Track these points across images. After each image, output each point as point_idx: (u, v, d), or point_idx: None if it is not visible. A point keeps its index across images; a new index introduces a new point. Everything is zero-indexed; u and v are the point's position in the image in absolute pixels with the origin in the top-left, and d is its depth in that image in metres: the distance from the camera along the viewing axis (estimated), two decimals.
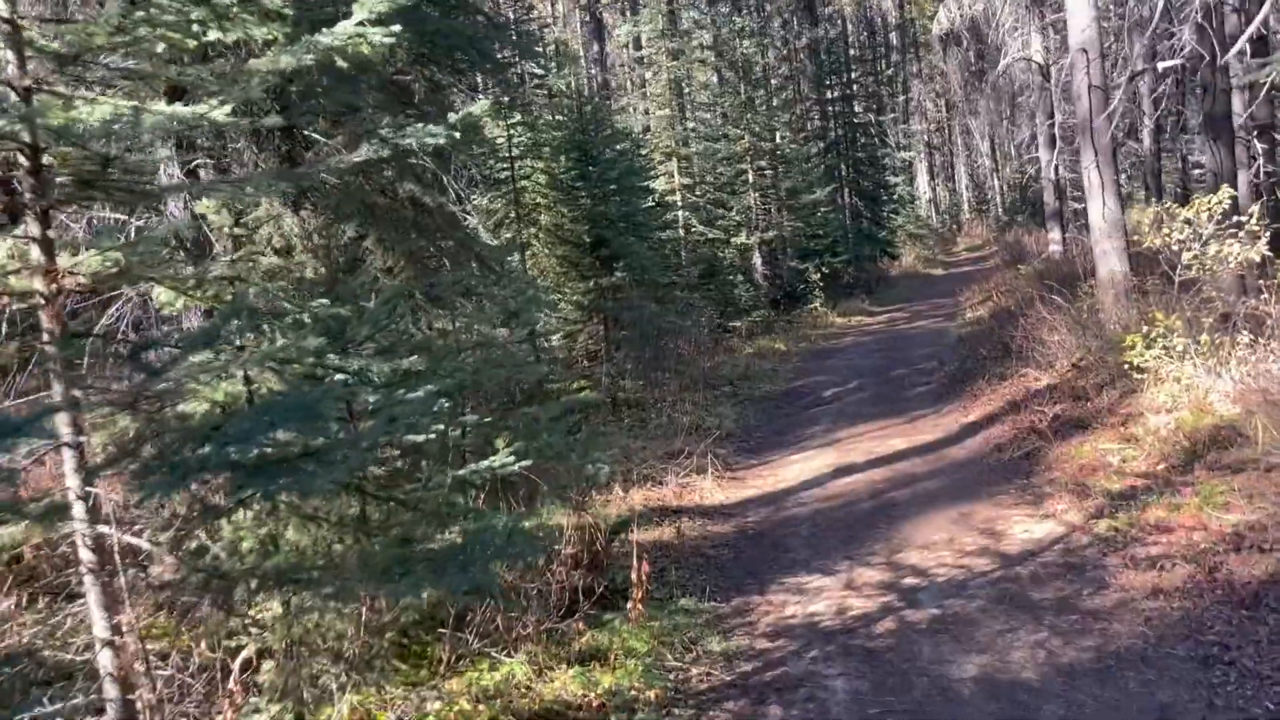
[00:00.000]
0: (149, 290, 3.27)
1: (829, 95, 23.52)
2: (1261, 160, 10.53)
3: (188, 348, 2.65)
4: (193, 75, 2.65)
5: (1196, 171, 19.19)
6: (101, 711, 2.59)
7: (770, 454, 8.75)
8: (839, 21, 25.95)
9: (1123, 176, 18.25)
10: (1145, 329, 7.34)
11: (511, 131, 10.21)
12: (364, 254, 6.37)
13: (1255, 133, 10.59)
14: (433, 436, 3.57)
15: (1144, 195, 19.79)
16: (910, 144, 35.51)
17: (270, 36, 2.79)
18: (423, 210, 6.31)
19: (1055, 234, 17.22)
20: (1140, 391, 7.39)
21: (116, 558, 2.71)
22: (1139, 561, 4.92)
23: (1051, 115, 16.56)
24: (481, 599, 3.51)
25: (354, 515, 2.86)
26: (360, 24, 2.78)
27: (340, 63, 2.94)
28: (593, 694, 3.89)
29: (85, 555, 2.56)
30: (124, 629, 2.65)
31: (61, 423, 2.54)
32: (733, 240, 17.10)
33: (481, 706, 3.64)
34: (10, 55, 2.56)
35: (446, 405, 4.36)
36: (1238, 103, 10.45)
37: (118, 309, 5.45)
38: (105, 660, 2.57)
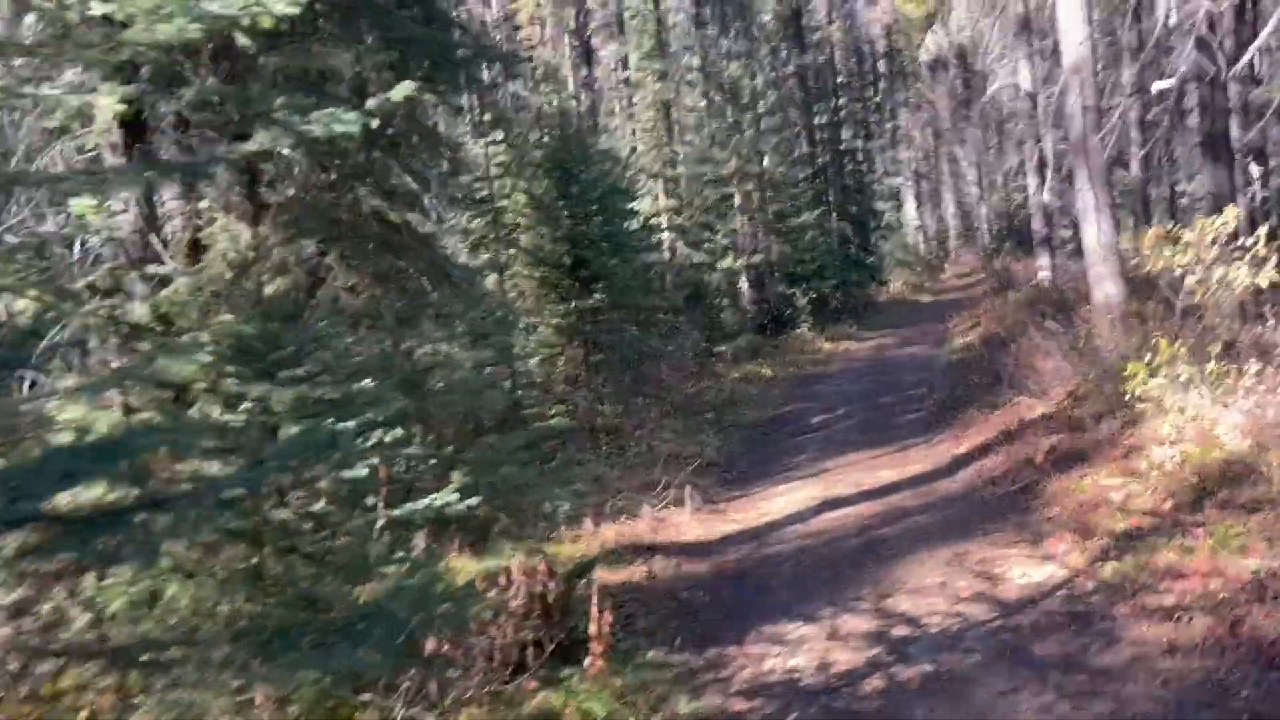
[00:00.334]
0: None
1: (817, 121, 23.38)
2: (1258, 184, 10.28)
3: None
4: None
5: (1183, 200, 19.17)
6: None
7: (753, 485, 8.31)
8: (827, 48, 25.91)
9: None
10: (1148, 356, 6.96)
11: (490, 150, 9.89)
12: (324, 271, 5.95)
13: (1250, 155, 10.36)
14: (363, 474, 3.14)
15: (1133, 222, 19.68)
16: (898, 171, 35.53)
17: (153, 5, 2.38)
18: (389, 227, 5.93)
19: (1044, 260, 17.12)
20: (1142, 422, 6.99)
21: None
22: (1151, 612, 4.48)
23: (1039, 141, 16.44)
24: (382, 675, 3.04)
25: (246, 570, 2.41)
26: None
27: (241, 39, 2.54)
28: None
29: None
30: None
31: None
32: (719, 264, 16.79)
33: None
34: None
35: (390, 437, 3.91)
36: (1234, 125, 10.22)
37: None
38: None
